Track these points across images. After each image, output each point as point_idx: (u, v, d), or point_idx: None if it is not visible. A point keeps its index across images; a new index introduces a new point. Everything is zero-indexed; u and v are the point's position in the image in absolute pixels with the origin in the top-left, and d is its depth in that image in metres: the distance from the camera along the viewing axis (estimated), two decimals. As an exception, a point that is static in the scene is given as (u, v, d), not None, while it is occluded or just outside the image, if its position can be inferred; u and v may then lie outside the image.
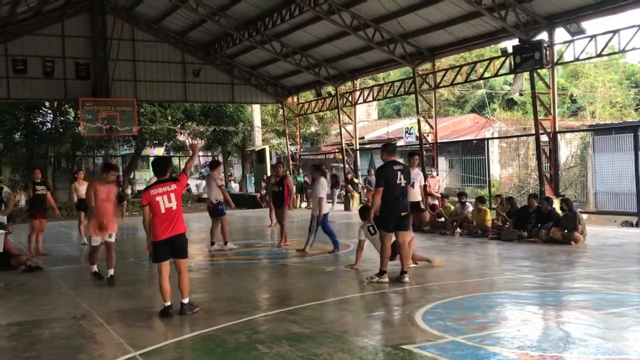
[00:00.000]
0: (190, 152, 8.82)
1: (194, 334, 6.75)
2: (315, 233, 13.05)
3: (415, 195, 12.67)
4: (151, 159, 37.54)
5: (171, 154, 40.49)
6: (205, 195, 21.92)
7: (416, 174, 12.69)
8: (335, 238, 13.02)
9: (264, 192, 25.75)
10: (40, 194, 13.86)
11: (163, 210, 7.53)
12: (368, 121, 41.56)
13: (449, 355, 5.68)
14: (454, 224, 15.89)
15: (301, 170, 29.50)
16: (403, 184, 9.38)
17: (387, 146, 9.89)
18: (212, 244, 14.20)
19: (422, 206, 14.01)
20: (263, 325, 7.06)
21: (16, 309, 8.45)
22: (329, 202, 26.38)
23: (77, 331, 7.14)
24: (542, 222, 13.76)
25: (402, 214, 9.42)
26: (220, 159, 37.02)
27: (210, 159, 49.10)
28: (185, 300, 7.71)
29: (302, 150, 33.92)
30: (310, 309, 7.83)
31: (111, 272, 10.06)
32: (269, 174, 24.43)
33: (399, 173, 9.33)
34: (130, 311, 8.02)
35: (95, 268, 10.46)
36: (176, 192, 7.61)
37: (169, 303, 7.62)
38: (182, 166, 42.34)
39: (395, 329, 7.03)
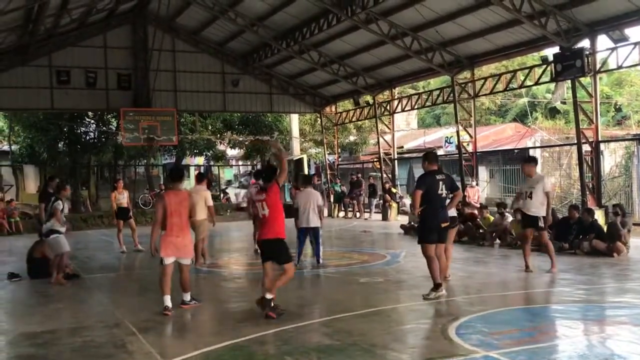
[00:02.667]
0: (276, 153, 8.82)
1: (224, 344, 6.71)
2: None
3: (537, 207, 10.85)
4: (192, 168, 37.98)
5: (211, 163, 40.83)
6: (244, 205, 22.06)
7: (535, 181, 10.91)
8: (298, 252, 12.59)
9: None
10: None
11: (260, 216, 8.06)
12: (407, 130, 41.29)
13: (481, 371, 5.55)
14: (493, 235, 15.62)
15: (339, 180, 29.42)
16: (444, 195, 9.17)
17: (428, 155, 9.56)
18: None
19: (541, 224, 10.96)
20: (293, 337, 6.99)
21: (51, 317, 8.57)
22: (366, 212, 26.47)
23: (109, 340, 7.17)
24: (583, 233, 13.42)
25: (443, 225, 9.22)
26: (259, 168, 37.17)
27: (249, 168, 49.53)
28: (269, 296, 7.88)
29: (340, 159, 33.85)
30: (341, 320, 7.74)
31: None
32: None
33: (440, 183, 9.08)
34: (163, 320, 8.02)
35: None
36: (267, 201, 7.95)
37: (269, 296, 7.87)
38: (220, 175, 42.82)
39: (427, 342, 6.89)
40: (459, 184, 14.73)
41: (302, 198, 12.46)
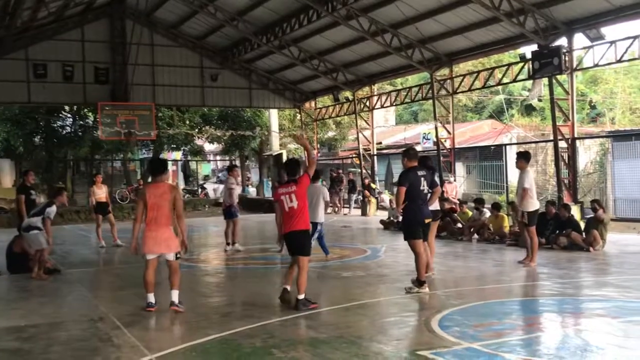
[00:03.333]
0: (303, 149, 8.70)
1: (211, 338, 6.76)
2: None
3: (519, 202, 11.31)
4: (169, 163, 37.84)
5: (189, 158, 40.63)
6: (222, 200, 22.10)
7: (519, 177, 11.32)
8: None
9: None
10: (34, 200, 13.29)
11: (286, 209, 8.10)
12: (386, 127, 41.49)
13: (465, 362, 5.66)
14: (471, 230, 15.81)
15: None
16: (426, 191, 9.22)
17: (408, 152, 9.48)
18: (227, 244, 14.34)
19: (524, 219, 11.42)
20: (279, 330, 7.06)
21: (34, 311, 8.53)
22: (345, 207, 26.59)
23: (94, 334, 7.18)
24: (560, 228, 13.65)
25: (426, 220, 9.29)
26: (238, 163, 37.07)
27: (227, 163, 49.46)
28: (300, 297, 7.95)
29: (319, 155, 33.93)
30: (326, 314, 7.84)
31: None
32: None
33: (422, 179, 9.12)
34: (147, 314, 8.01)
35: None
36: (297, 193, 8.07)
37: (287, 287, 8.17)
38: (198, 170, 42.64)
39: (411, 334, 7.02)
40: (437, 180, 14.87)
41: (309, 193, 12.42)
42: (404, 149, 10.24)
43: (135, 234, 8.15)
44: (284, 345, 6.35)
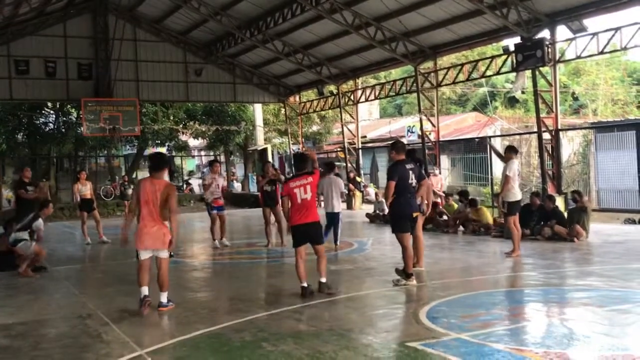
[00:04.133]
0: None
1: (200, 333, 6.77)
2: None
3: (504, 192, 11.51)
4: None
5: (173, 153, 40.49)
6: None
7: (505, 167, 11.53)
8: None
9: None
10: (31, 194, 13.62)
11: (299, 201, 8.40)
12: (370, 120, 41.57)
13: (454, 353, 5.71)
14: (457, 222, 15.91)
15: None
16: (414, 184, 9.22)
17: (396, 144, 9.45)
18: (214, 240, 14.31)
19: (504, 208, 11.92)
20: (268, 324, 7.08)
21: (22, 308, 8.50)
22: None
23: (83, 330, 7.17)
24: (545, 220, 13.77)
25: (414, 214, 9.31)
26: (223, 158, 36.97)
27: (212, 158, 49.24)
28: (323, 280, 8.44)
29: (304, 149, 33.92)
30: (314, 307, 7.86)
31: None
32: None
33: (410, 172, 9.09)
34: (136, 310, 8.00)
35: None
36: (311, 185, 8.44)
37: (305, 284, 8.35)
38: (183, 165, 42.51)
39: (400, 326, 7.07)
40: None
41: (325, 185, 12.62)
42: (390, 142, 10.27)
43: (125, 226, 8.10)
44: (273, 339, 6.38)
